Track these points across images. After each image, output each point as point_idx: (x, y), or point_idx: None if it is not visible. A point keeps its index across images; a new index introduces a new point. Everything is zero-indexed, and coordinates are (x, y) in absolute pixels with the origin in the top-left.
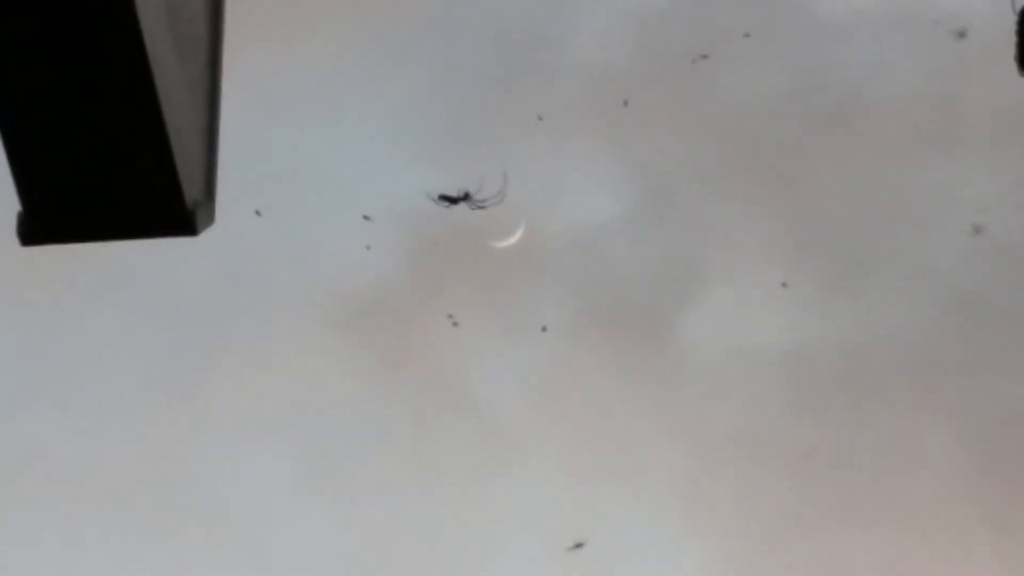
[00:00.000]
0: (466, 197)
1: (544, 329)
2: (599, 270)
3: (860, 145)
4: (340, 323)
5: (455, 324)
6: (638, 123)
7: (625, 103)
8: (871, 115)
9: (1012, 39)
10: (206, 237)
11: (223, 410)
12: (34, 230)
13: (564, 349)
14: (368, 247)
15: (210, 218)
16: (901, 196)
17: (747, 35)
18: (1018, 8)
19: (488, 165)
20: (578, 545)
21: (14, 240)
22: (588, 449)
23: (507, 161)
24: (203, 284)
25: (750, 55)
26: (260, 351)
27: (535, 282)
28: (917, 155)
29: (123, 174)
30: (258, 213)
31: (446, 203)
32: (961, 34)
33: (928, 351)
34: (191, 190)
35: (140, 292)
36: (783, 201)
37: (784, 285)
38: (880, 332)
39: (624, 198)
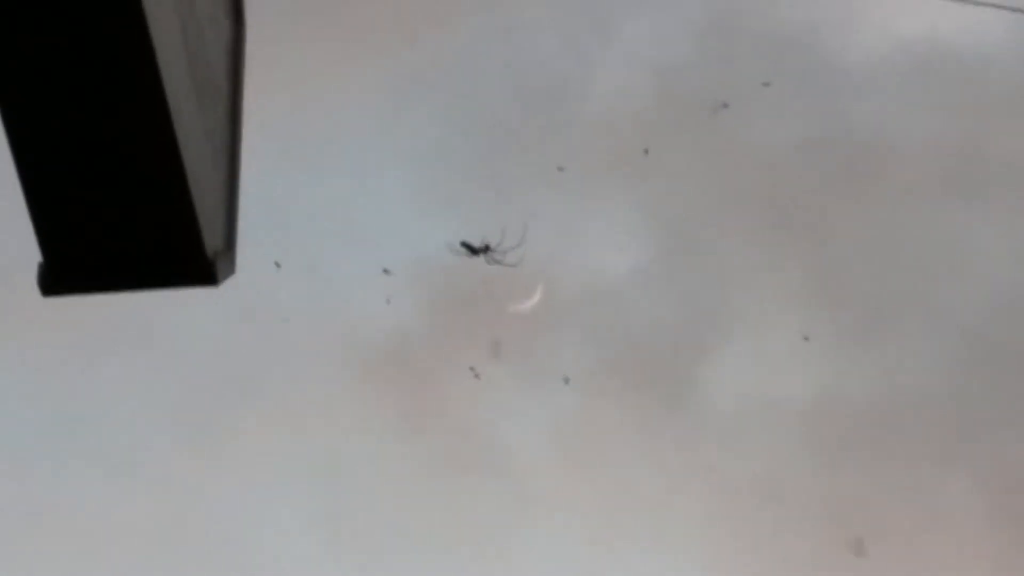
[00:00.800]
0: (486, 249)
1: (567, 381)
2: (620, 321)
3: (882, 195)
4: (360, 376)
5: (476, 376)
6: (659, 173)
7: (646, 152)
8: (893, 164)
9: None
10: (226, 288)
11: (242, 465)
12: (55, 281)
13: (585, 401)
14: (389, 300)
15: (230, 269)
16: (924, 247)
17: (767, 84)
18: None
19: (509, 217)
20: None
21: (35, 290)
22: (610, 503)
23: (527, 212)
24: (223, 336)
25: (770, 104)
26: (279, 404)
27: (557, 334)
28: (941, 205)
29: (143, 224)
30: (278, 265)
31: (466, 251)
32: (982, 82)
33: (950, 404)
34: (211, 240)
35: (160, 344)
36: (805, 252)
37: (806, 339)
38: (901, 384)
39: (645, 249)
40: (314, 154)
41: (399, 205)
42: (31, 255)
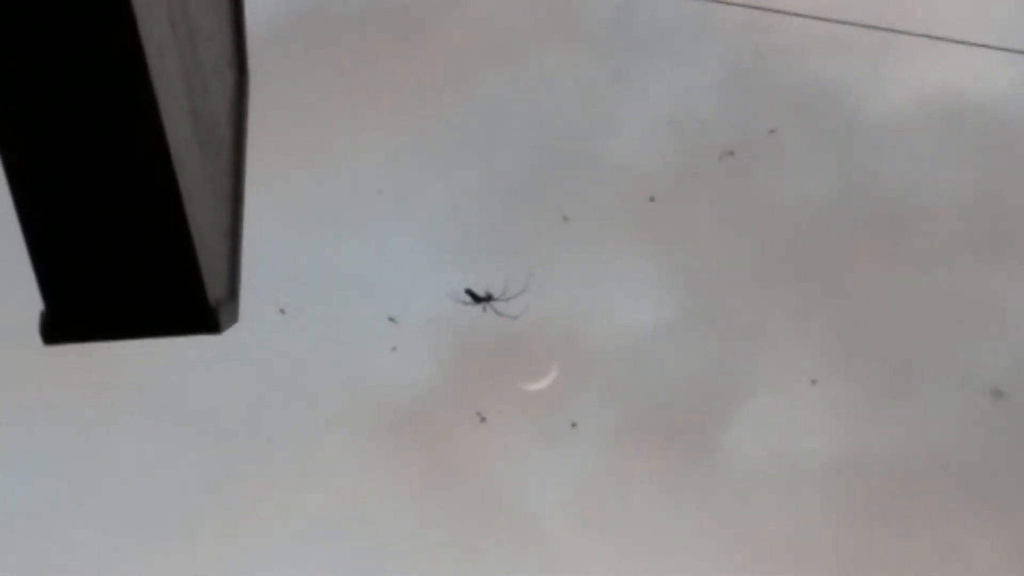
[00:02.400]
0: (488, 299)
1: (574, 425)
2: (641, 377)
3: (906, 250)
4: (366, 426)
5: (483, 420)
6: (680, 226)
7: (652, 199)
8: (917, 219)
9: None
10: (230, 336)
11: (256, 525)
12: (57, 329)
13: (601, 457)
14: (394, 348)
15: (233, 317)
16: (948, 303)
17: (772, 131)
18: None
19: (515, 268)
20: None
21: (37, 341)
22: (628, 560)
23: (537, 263)
24: (227, 386)
25: (794, 158)
26: (284, 454)
27: (577, 390)
28: (966, 262)
29: (146, 272)
30: (283, 311)
31: (470, 299)
32: (1007, 138)
33: (974, 462)
34: (214, 288)
35: (164, 396)
36: (828, 307)
37: (813, 381)
38: (925, 443)
39: (667, 304)
40: (317, 206)
41: (403, 254)
42: (32, 304)
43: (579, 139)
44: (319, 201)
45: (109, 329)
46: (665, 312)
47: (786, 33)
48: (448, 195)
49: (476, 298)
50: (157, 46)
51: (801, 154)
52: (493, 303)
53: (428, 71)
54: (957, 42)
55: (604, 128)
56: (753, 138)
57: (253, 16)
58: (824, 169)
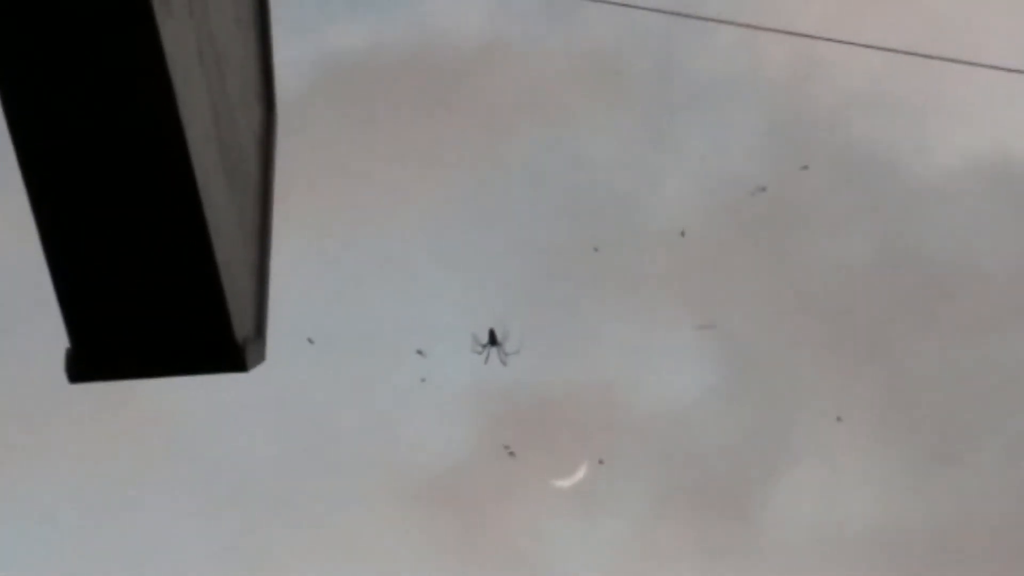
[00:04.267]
0: (494, 342)
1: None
2: (685, 444)
3: (955, 315)
4: (397, 493)
5: (512, 454)
6: (725, 290)
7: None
8: (967, 284)
9: None
10: (255, 384)
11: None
12: (82, 367)
13: (638, 527)
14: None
15: (260, 356)
16: (997, 371)
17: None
18: None
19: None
20: None
21: (60, 395)
22: None
23: (572, 325)
24: (254, 422)
25: (841, 221)
26: (310, 524)
27: (620, 456)
28: (1016, 329)
29: (172, 308)
30: (311, 341)
31: (488, 340)
32: None
33: (1023, 531)
34: (241, 325)
35: (190, 439)
36: (875, 373)
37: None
38: (973, 510)
39: (711, 368)
40: (344, 242)
41: (440, 317)
42: (58, 342)
43: (618, 198)
44: (351, 258)
45: (135, 367)
46: (705, 378)
47: (829, 91)
48: (483, 255)
49: (493, 341)
50: (184, 74)
51: (845, 216)
52: (500, 349)
53: (465, 127)
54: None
55: (644, 187)
56: (795, 199)
57: (286, 70)
58: (869, 231)
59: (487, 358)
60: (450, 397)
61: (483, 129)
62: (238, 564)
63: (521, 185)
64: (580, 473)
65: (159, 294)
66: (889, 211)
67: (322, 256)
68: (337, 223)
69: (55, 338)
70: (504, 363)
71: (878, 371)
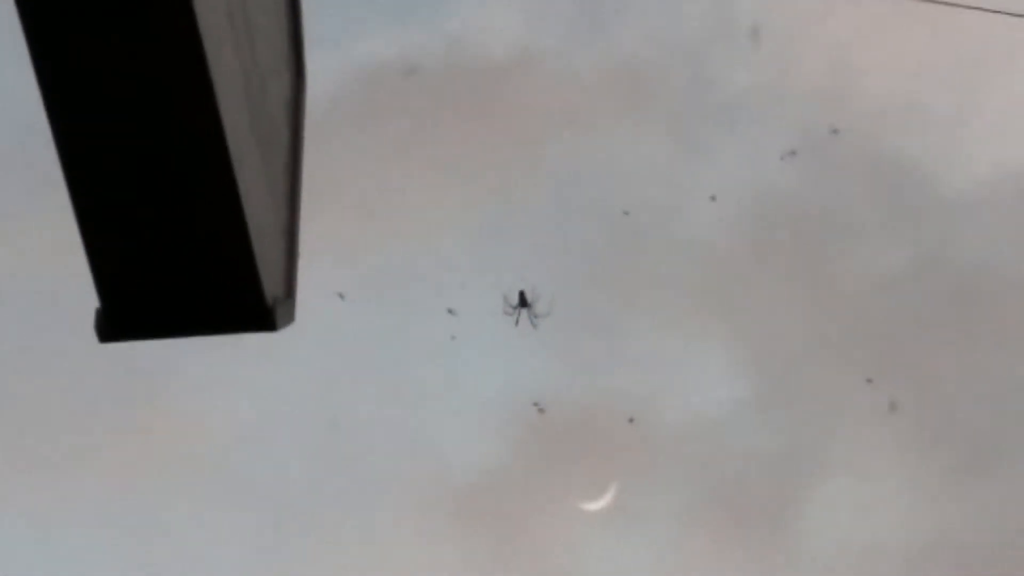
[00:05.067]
0: (526, 305)
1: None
2: (716, 458)
3: (990, 328)
4: (431, 507)
5: (541, 410)
6: (755, 301)
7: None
8: (1000, 296)
9: None
10: (289, 331)
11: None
12: (112, 327)
13: (671, 542)
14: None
15: (290, 316)
16: None
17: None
18: None
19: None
20: None
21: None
22: None
23: (605, 336)
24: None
25: (873, 232)
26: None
27: (653, 469)
28: None
29: (202, 269)
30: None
31: (517, 302)
32: None
33: None
34: (271, 286)
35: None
36: (908, 385)
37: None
38: (1009, 524)
39: (742, 382)
40: (388, 280)
41: (474, 331)
42: (88, 303)
43: (649, 208)
44: (385, 276)
45: (165, 327)
46: (737, 390)
47: (862, 102)
48: (510, 265)
49: (523, 302)
50: (215, 37)
51: (877, 227)
52: (529, 311)
53: (495, 137)
54: None
55: (676, 200)
56: (827, 209)
57: (315, 80)
58: (902, 241)
59: (518, 320)
60: (480, 407)
61: (512, 140)
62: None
63: (550, 196)
64: (608, 496)
65: (189, 254)
66: (922, 222)
67: (351, 268)
68: (367, 231)
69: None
70: (535, 325)
71: (911, 383)
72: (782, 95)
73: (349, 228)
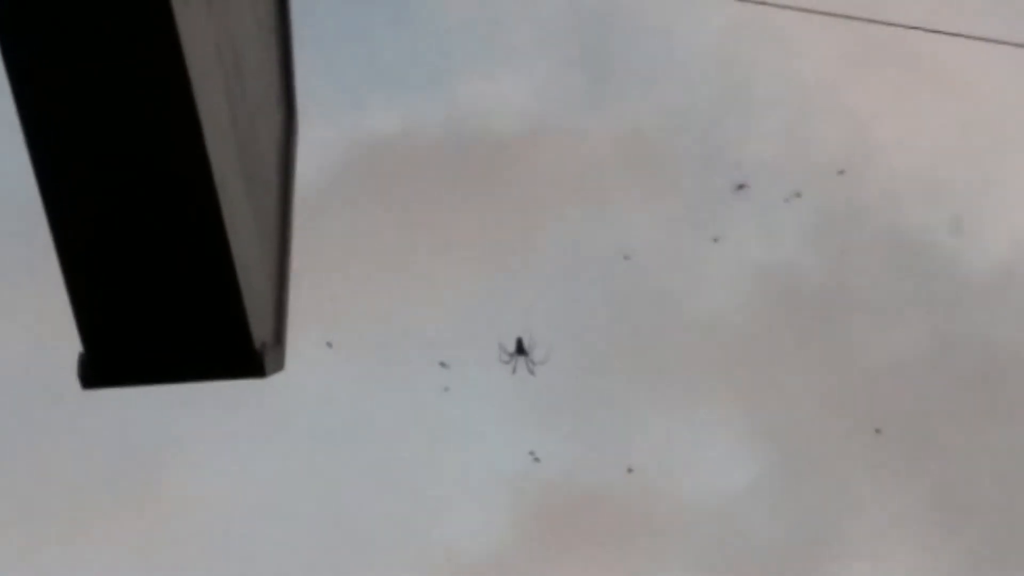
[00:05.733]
0: (523, 352)
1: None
2: (729, 541)
3: (1008, 408)
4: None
5: (536, 459)
6: (769, 380)
7: (740, 351)
8: (1015, 376)
9: None
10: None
11: None
12: (95, 373)
13: None
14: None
15: (279, 363)
16: None
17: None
18: None
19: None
20: None
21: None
22: None
23: (619, 417)
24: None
25: (885, 308)
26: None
27: (663, 551)
28: None
29: (188, 312)
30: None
31: (515, 349)
32: None
33: None
34: (260, 330)
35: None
36: (925, 468)
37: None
38: None
39: (755, 463)
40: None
41: (482, 409)
42: (71, 347)
43: (661, 287)
44: (386, 353)
45: (149, 372)
46: (753, 470)
47: (881, 176)
48: (527, 345)
49: (520, 350)
50: (200, 65)
51: (895, 304)
52: (527, 359)
53: (502, 212)
54: None
55: (687, 277)
56: (846, 287)
57: (319, 152)
58: (920, 321)
59: (515, 368)
60: (490, 486)
61: (520, 215)
62: None
63: (560, 273)
64: None
65: (175, 296)
66: (941, 299)
67: (350, 343)
68: (367, 305)
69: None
70: (532, 372)
71: (930, 467)
72: (798, 168)
73: (345, 288)
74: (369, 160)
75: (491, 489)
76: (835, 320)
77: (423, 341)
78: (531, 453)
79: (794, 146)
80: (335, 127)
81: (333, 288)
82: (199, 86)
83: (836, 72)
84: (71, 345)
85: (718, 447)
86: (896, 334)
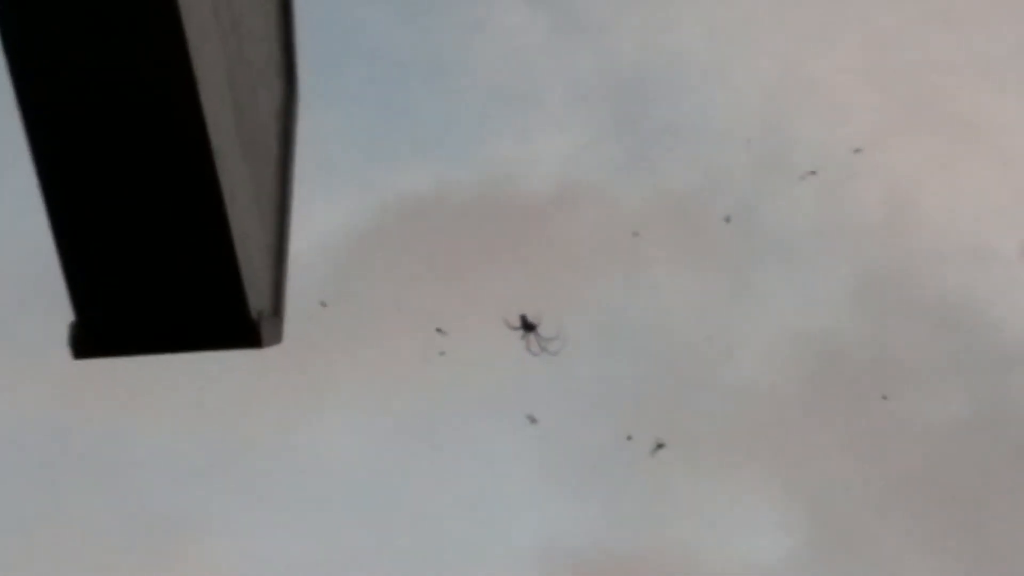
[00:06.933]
0: (533, 328)
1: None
2: None
3: None
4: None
5: (533, 420)
6: (808, 452)
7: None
8: None
9: None
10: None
11: None
12: (88, 342)
13: None
14: (442, 353)
15: (277, 336)
16: None
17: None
18: None
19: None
20: None
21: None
22: None
23: (650, 488)
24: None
25: (928, 376)
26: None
27: None
28: None
29: (183, 281)
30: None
31: (521, 325)
32: None
33: None
34: (256, 301)
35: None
36: (966, 542)
37: None
38: None
39: (785, 531)
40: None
41: (512, 474)
42: (62, 314)
43: (696, 354)
44: (411, 422)
45: (143, 342)
46: (788, 542)
47: (924, 237)
48: (555, 410)
49: (527, 325)
50: (197, 24)
51: (936, 373)
52: (538, 335)
53: (537, 276)
54: None
55: (722, 342)
56: (887, 353)
57: (349, 211)
58: (963, 390)
59: (528, 346)
60: (519, 557)
61: (552, 279)
62: None
63: (594, 337)
64: None
65: (169, 264)
66: (984, 368)
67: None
68: (398, 367)
69: (59, 313)
70: (546, 349)
71: (969, 539)
72: (837, 227)
73: (376, 354)
74: (400, 221)
75: (520, 561)
76: (875, 387)
77: (450, 409)
78: (529, 416)
79: (835, 210)
80: (368, 188)
81: (365, 354)
82: (195, 43)
83: (879, 134)
84: (98, 413)
85: (753, 517)
86: (938, 402)
